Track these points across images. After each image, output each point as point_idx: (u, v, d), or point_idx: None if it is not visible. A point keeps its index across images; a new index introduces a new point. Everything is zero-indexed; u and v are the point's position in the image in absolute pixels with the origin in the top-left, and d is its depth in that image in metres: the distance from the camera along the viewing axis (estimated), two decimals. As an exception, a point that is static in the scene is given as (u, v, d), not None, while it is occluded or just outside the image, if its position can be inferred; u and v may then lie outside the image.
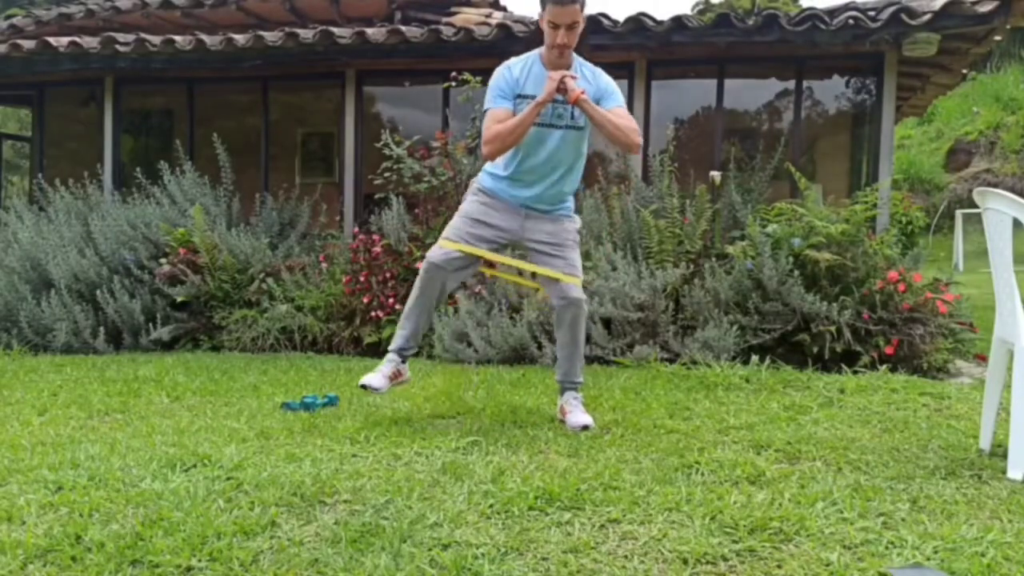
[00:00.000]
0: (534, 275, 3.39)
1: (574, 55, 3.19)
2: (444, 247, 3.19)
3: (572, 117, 3.16)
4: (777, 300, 4.91)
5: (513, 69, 3.20)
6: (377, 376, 3.18)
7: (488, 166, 3.31)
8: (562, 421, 3.26)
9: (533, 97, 3.09)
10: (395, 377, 3.24)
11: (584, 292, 3.27)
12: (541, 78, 3.11)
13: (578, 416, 3.18)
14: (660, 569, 1.82)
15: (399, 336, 3.29)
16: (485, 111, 3.18)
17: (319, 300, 5.85)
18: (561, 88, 3.04)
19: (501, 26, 6.08)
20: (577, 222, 3.39)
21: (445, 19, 6.87)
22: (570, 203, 3.38)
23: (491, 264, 3.56)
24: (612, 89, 3.22)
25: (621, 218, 5.64)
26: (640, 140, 3.20)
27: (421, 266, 3.20)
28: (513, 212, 3.26)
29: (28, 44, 6.82)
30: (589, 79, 3.19)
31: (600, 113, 3.09)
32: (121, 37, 6.67)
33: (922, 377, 4.43)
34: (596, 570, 1.82)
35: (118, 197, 6.86)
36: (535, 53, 3.23)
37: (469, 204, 3.31)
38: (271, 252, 6.26)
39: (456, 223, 3.27)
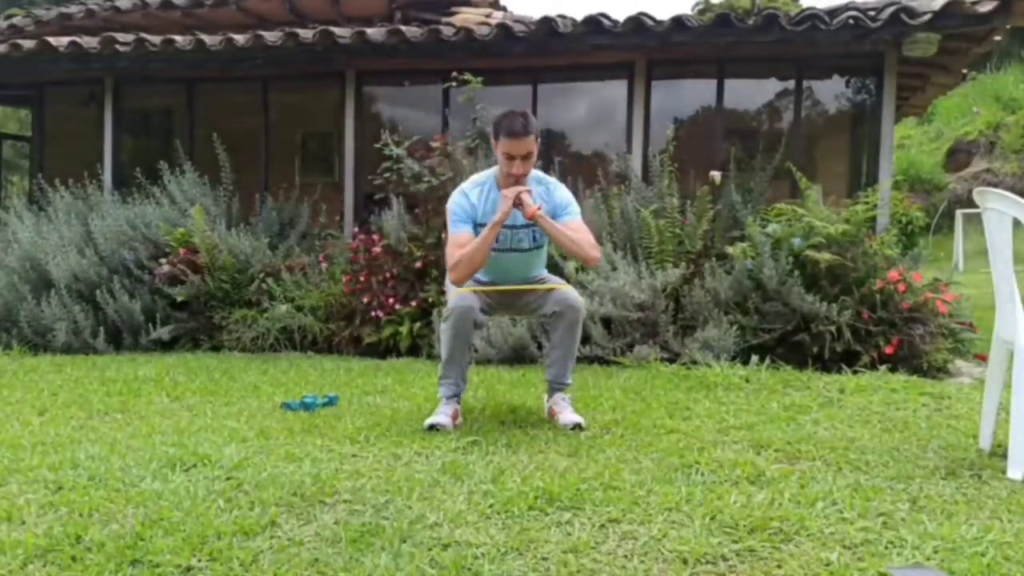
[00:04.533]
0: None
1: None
2: (461, 293, 3.23)
3: (534, 239, 3.29)
4: (777, 300, 4.91)
5: (470, 195, 3.28)
6: (442, 416, 3.19)
7: None
8: (551, 419, 3.30)
9: None
10: (455, 417, 3.24)
11: (583, 295, 3.30)
12: (499, 203, 3.17)
13: (569, 415, 3.24)
14: (660, 569, 1.82)
15: (449, 385, 3.28)
16: (448, 233, 3.27)
17: (319, 300, 5.85)
18: (517, 203, 3.12)
19: (501, 26, 6.08)
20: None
21: (445, 19, 6.86)
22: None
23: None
24: (567, 201, 3.31)
25: (621, 218, 5.63)
26: (597, 254, 3.34)
27: (449, 315, 3.20)
28: None
29: (28, 44, 6.81)
30: (544, 196, 3.27)
31: (557, 228, 3.19)
32: (121, 37, 6.66)
33: (922, 377, 4.43)
34: (596, 570, 1.82)
35: (118, 197, 6.84)
36: (491, 175, 3.30)
37: None
38: (271, 252, 6.26)
39: None
